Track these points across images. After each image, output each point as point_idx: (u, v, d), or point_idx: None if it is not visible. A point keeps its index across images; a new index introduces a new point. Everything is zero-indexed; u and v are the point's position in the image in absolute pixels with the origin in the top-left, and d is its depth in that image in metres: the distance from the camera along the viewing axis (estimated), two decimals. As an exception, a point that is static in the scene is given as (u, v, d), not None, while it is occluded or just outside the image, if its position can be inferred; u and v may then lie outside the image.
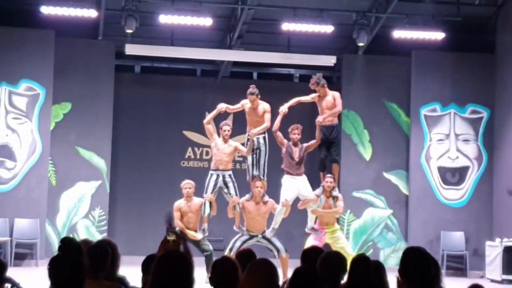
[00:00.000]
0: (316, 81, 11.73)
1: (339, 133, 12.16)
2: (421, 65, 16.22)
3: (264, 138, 11.86)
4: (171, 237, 4.16)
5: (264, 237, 11.56)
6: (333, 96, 11.83)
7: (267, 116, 11.80)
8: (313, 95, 11.94)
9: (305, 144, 11.71)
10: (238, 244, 11.37)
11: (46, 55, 15.21)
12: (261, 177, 11.71)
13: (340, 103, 11.85)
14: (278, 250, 11.50)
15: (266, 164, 11.86)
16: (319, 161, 11.86)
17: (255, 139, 11.70)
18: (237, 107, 12.14)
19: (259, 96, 11.88)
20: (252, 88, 11.79)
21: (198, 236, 11.53)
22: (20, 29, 15.14)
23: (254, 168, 11.77)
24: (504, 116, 15.74)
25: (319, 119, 11.66)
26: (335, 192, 11.78)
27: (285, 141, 11.65)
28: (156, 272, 3.59)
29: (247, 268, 4.06)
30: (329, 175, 11.93)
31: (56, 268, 3.78)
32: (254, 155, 11.81)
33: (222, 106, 11.98)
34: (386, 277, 5.63)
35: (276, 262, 10.44)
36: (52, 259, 3.84)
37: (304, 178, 11.66)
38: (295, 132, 11.62)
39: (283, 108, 11.79)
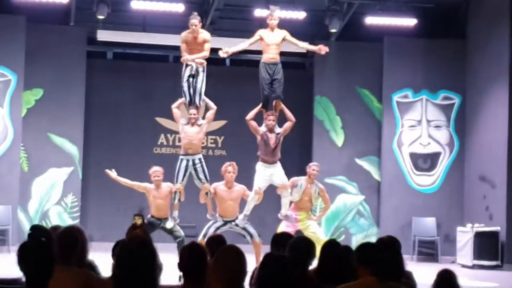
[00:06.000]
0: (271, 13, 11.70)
1: (282, 70, 11.93)
2: (393, 51, 16.30)
3: (204, 67, 11.74)
4: (138, 220, 4.18)
5: (237, 224, 11.57)
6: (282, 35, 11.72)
7: (207, 46, 11.67)
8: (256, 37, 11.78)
9: (281, 130, 11.63)
10: (211, 230, 11.35)
11: (17, 41, 15.10)
12: (198, 103, 11.64)
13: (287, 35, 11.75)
14: (251, 236, 11.52)
15: (203, 90, 11.67)
16: (263, 98, 11.62)
17: (193, 65, 11.58)
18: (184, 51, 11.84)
19: (201, 24, 11.73)
20: (194, 15, 11.65)
21: (169, 224, 11.53)
22: (-10, 15, 15.04)
23: (191, 94, 11.64)
24: (475, 102, 15.87)
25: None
26: (318, 185, 11.84)
27: (259, 128, 11.59)
28: (119, 257, 3.60)
29: (215, 255, 4.08)
30: (315, 163, 12.00)
31: (25, 255, 3.77)
32: (191, 80, 11.65)
33: (187, 58, 11.76)
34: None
35: (249, 247, 10.53)
36: (21, 246, 3.83)
37: (278, 166, 11.64)
38: (270, 118, 11.55)
39: (225, 50, 11.67)
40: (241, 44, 11.83)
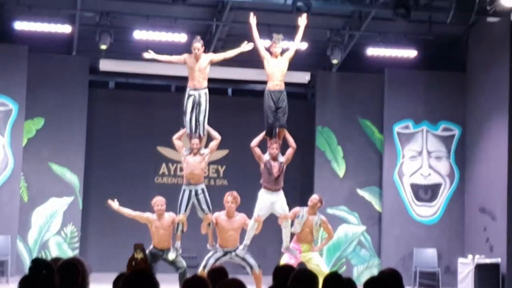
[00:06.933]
0: (275, 40, 11.69)
1: (286, 99, 11.84)
2: (394, 82, 16.36)
3: (206, 94, 11.66)
4: (139, 255, 4.15)
5: (237, 255, 11.51)
6: (286, 58, 11.76)
7: (220, 55, 11.69)
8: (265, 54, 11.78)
9: (284, 158, 11.58)
10: (211, 261, 11.30)
11: (19, 70, 15.13)
12: (201, 133, 11.57)
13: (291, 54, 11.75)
14: (251, 267, 11.46)
15: (206, 121, 11.55)
16: (267, 126, 11.53)
17: (196, 94, 11.53)
18: (175, 58, 11.81)
19: (204, 48, 11.70)
20: (197, 39, 11.62)
21: (171, 256, 11.46)
22: (-7, 44, 15.09)
23: (192, 125, 11.54)
24: (476, 133, 15.89)
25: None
26: (320, 216, 11.77)
27: (263, 156, 11.57)
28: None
29: (216, 287, 4.05)
30: (315, 195, 11.94)
31: (26, 288, 3.76)
32: (194, 111, 11.56)
33: (149, 54, 11.84)
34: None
35: (249, 279, 10.48)
36: (22, 279, 3.81)
37: (280, 194, 11.59)
38: (274, 146, 11.52)
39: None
40: (258, 39, 11.73)
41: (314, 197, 11.86)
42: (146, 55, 11.92)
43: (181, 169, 16.26)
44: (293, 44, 11.83)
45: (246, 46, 11.88)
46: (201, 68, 11.55)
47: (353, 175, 16.39)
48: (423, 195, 16.30)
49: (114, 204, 11.72)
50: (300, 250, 11.62)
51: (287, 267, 5.86)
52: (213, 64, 11.78)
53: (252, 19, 11.76)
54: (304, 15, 12.09)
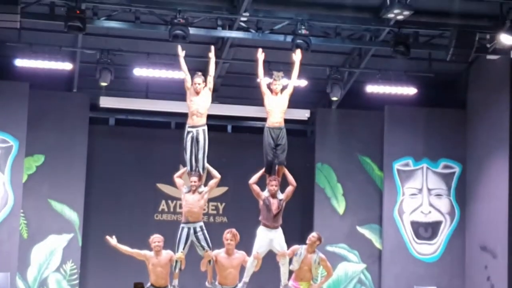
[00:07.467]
0: (275, 78, 11.64)
1: (286, 136, 11.76)
2: (393, 119, 16.38)
3: (204, 131, 11.59)
4: None
5: (236, 293, 11.44)
6: (286, 95, 11.70)
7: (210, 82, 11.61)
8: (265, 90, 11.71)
9: (283, 196, 11.53)
10: (210, 300, 11.25)
11: (20, 107, 15.16)
12: (200, 171, 11.50)
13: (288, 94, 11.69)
14: (250, 306, 11.40)
15: (205, 159, 11.49)
16: (266, 163, 11.44)
17: (194, 131, 11.47)
18: (188, 75, 11.70)
19: (205, 84, 11.64)
20: (198, 75, 11.58)
21: None
22: (-6, 81, 15.15)
23: (192, 163, 11.47)
24: (476, 171, 15.87)
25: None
26: (319, 254, 11.68)
27: (262, 193, 11.52)
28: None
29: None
30: (314, 233, 11.87)
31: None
32: (193, 148, 11.49)
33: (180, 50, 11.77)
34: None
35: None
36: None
37: (279, 231, 11.54)
38: (273, 183, 11.47)
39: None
40: (261, 76, 11.68)
41: (313, 235, 11.78)
42: (180, 50, 11.80)
43: (181, 206, 16.22)
44: (290, 80, 11.84)
45: (211, 54, 11.84)
46: (200, 102, 11.55)
47: (353, 212, 16.34)
48: (423, 233, 16.24)
49: (112, 240, 11.67)
50: (298, 288, 11.55)
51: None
52: (213, 91, 11.73)
53: (260, 55, 11.78)
54: (298, 51, 12.10)
